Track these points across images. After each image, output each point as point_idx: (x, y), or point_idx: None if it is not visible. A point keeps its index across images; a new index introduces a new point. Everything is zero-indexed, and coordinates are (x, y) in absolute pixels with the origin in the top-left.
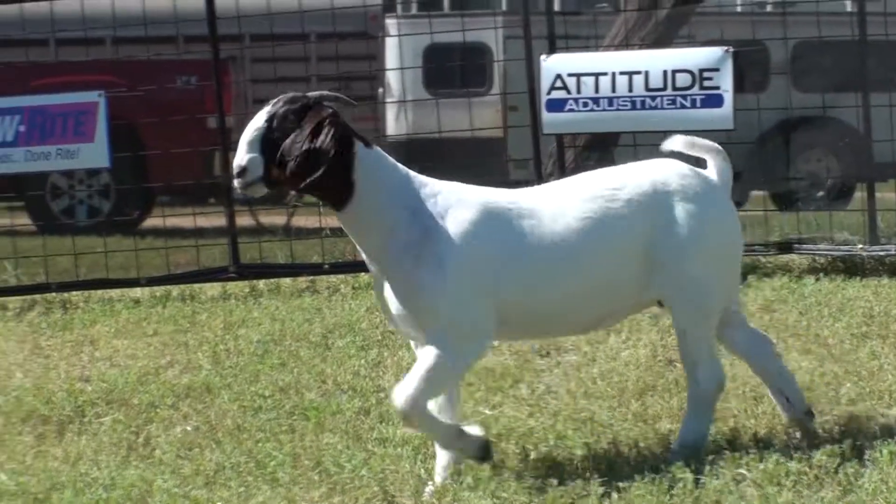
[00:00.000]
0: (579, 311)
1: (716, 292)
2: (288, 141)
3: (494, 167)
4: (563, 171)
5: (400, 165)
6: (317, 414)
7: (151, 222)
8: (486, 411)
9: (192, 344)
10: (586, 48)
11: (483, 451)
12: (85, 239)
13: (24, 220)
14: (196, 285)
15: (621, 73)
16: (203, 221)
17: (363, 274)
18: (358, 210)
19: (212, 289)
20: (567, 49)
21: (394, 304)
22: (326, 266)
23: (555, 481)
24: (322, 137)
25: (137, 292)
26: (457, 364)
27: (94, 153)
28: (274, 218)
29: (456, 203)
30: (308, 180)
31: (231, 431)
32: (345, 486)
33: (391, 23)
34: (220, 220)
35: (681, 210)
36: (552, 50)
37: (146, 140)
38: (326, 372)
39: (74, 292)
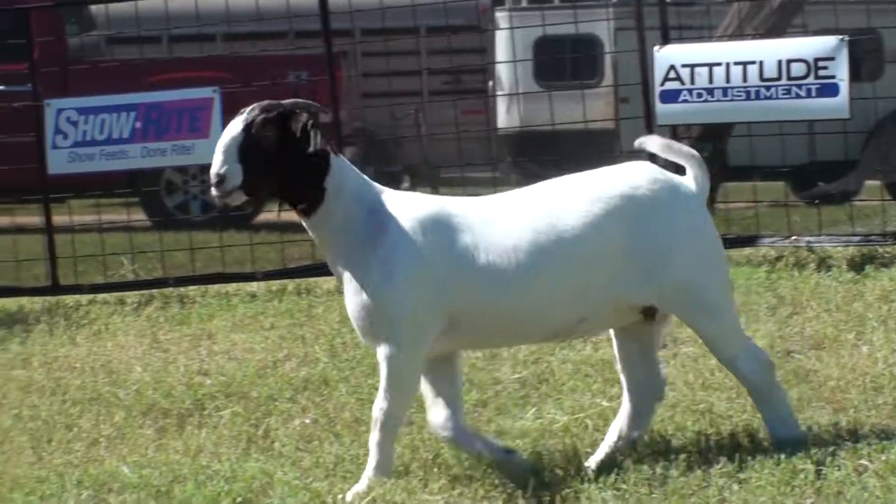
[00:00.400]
0: (543, 318)
1: (712, 291)
2: (271, 149)
3: (605, 159)
4: None
5: (361, 174)
6: None
7: (264, 217)
8: (604, 402)
9: (309, 337)
10: (699, 38)
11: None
12: (199, 234)
13: (139, 216)
14: (311, 279)
15: (735, 64)
16: None
17: None
18: (324, 215)
19: (327, 282)
20: (680, 40)
21: (350, 307)
22: None
23: (675, 472)
24: (314, 141)
25: (253, 286)
26: (414, 364)
27: (209, 149)
28: None
29: (409, 209)
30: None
31: (349, 424)
32: (463, 478)
33: (501, 15)
34: None
35: (653, 217)
36: (665, 41)
37: None
38: None
39: (191, 287)
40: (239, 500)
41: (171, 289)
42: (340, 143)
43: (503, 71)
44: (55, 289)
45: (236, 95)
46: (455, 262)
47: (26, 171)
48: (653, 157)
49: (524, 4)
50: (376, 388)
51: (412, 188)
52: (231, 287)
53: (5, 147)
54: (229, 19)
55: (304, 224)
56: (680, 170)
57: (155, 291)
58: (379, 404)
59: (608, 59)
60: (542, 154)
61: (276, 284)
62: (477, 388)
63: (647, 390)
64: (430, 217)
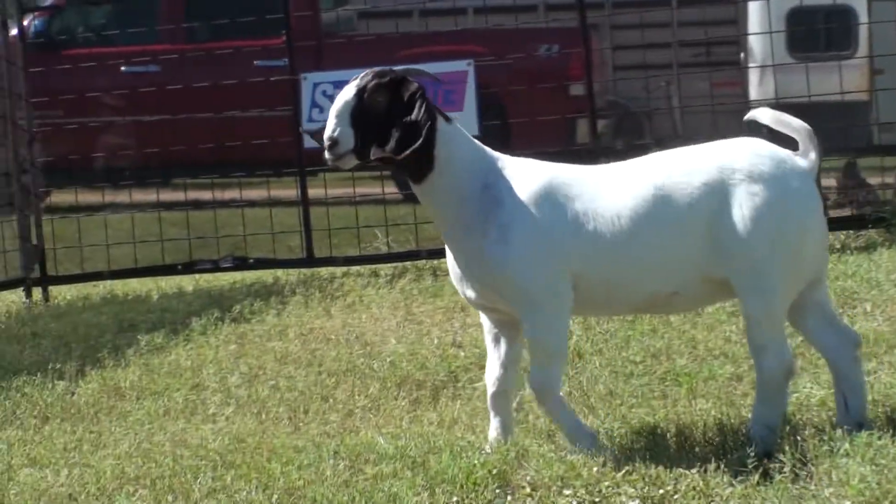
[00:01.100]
0: (637, 285)
1: (782, 279)
2: (382, 115)
3: (860, 131)
4: None
5: (475, 141)
6: (689, 380)
7: None
8: None
9: None
10: None
11: (592, 445)
12: None
13: (392, 190)
14: None
15: None
16: None
17: None
18: (435, 183)
19: None
20: None
21: (466, 275)
22: None
23: None
24: (416, 112)
25: None
26: (555, 327)
27: (464, 121)
28: None
29: (524, 176)
30: (407, 152)
31: (603, 397)
32: (718, 453)
33: None
34: None
35: (746, 192)
36: None
37: (509, 108)
38: (697, 338)
39: (444, 259)
40: (494, 471)
41: (424, 261)
42: (594, 115)
43: (756, 42)
44: (310, 261)
45: (490, 68)
46: (568, 228)
47: (282, 144)
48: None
49: None
50: (630, 361)
51: None
52: None
53: (262, 121)
54: None
55: (414, 191)
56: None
57: (408, 264)
58: (533, 375)
59: (863, 30)
60: None
61: None
62: (732, 362)
63: (842, 347)
64: (547, 184)
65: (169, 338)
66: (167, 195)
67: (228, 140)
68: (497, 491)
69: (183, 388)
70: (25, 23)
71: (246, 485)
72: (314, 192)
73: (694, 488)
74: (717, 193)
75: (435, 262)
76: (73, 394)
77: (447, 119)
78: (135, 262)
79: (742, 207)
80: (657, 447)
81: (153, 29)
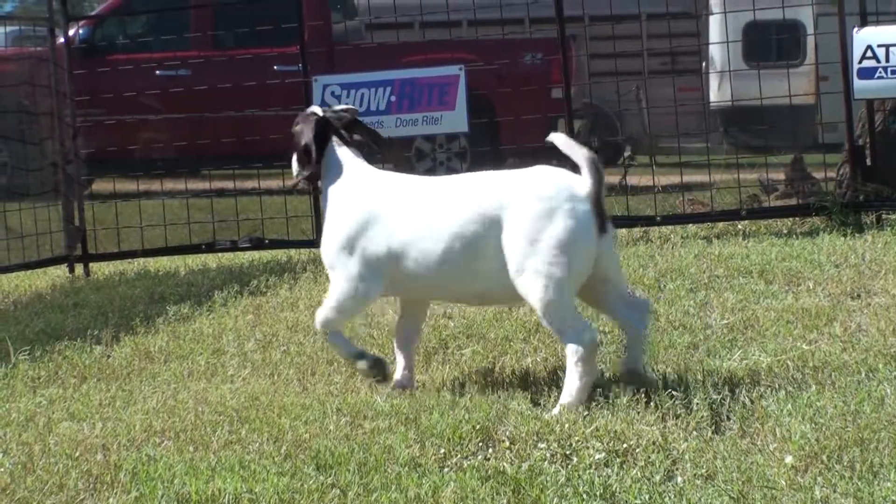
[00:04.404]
0: (447, 287)
1: (557, 281)
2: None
3: (806, 131)
4: (872, 132)
5: (350, 159)
6: (651, 348)
7: None
8: (804, 346)
9: None
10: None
11: (378, 369)
12: None
13: None
14: None
15: None
16: None
17: (691, 225)
18: (322, 186)
19: None
20: (877, 23)
21: None
22: (658, 218)
23: (867, 408)
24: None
25: None
26: (349, 302)
27: (455, 119)
28: (611, 176)
29: (361, 183)
30: (305, 174)
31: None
32: (676, 411)
33: (715, 2)
34: None
35: (529, 212)
36: (864, 24)
37: (498, 108)
38: (659, 311)
39: None
40: (478, 427)
41: None
42: (570, 116)
43: (715, 52)
44: (319, 242)
45: (480, 73)
46: (383, 234)
47: None
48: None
49: None
50: (600, 332)
51: (633, 157)
52: None
53: (279, 118)
54: (475, 7)
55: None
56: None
57: None
58: (317, 315)
59: (810, 41)
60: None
61: None
62: (689, 332)
63: (635, 314)
64: (377, 195)
65: (194, 308)
66: (194, 184)
67: (249, 135)
68: (480, 444)
69: (205, 353)
70: (71, 31)
71: (259, 437)
72: None
73: (653, 443)
74: (507, 212)
75: None
76: (108, 357)
77: (341, 140)
78: (165, 242)
79: (524, 224)
80: (622, 407)
81: (184, 37)
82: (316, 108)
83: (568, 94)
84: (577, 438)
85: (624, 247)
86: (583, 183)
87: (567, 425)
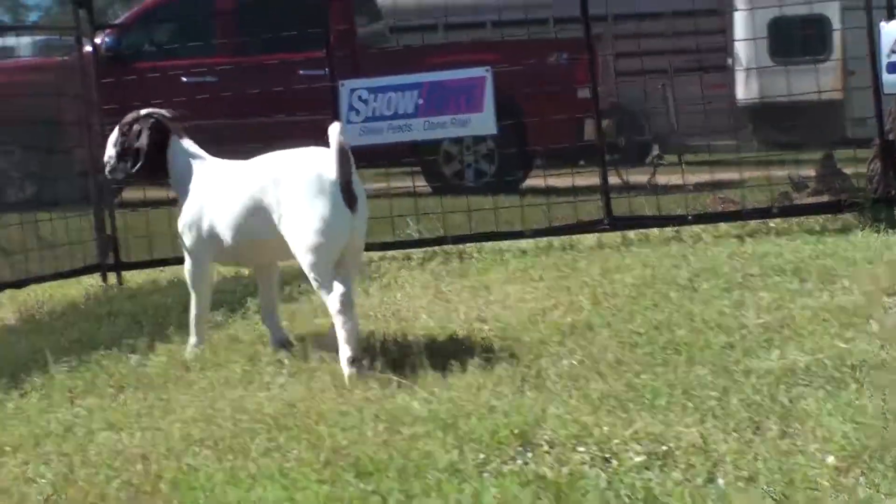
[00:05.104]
0: (244, 252)
1: (315, 246)
2: (125, 142)
3: (834, 126)
4: None
5: (192, 149)
6: (687, 349)
7: (528, 182)
8: (841, 344)
9: (574, 288)
10: None
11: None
12: (474, 198)
13: (421, 183)
14: (574, 236)
15: None
16: (578, 181)
17: (722, 224)
18: (171, 177)
19: (588, 239)
20: None
21: None
22: (690, 217)
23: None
24: (142, 139)
25: (523, 243)
26: (195, 271)
27: (483, 122)
28: (640, 176)
29: (197, 169)
30: (138, 166)
31: (612, 364)
32: (715, 413)
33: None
34: (591, 180)
35: (292, 185)
36: (890, 17)
37: (525, 109)
38: (694, 311)
39: (469, 244)
40: (516, 431)
41: (450, 246)
42: (598, 115)
43: (741, 49)
44: None
45: (507, 74)
46: (205, 207)
47: (326, 144)
48: None
49: None
50: (635, 333)
51: (661, 156)
52: (503, 244)
53: (307, 124)
54: (500, 8)
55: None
56: None
57: (437, 248)
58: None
59: (836, 36)
60: (778, 122)
61: (543, 241)
62: (724, 332)
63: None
64: (205, 180)
65: (228, 315)
66: None
67: (277, 141)
68: (519, 448)
69: (241, 360)
70: (98, 39)
71: (297, 445)
72: None
73: (693, 445)
74: (278, 186)
75: (461, 246)
76: (144, 365)
77: (179, 136)
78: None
79: (289, 197)
80: (660, 409)
81: (210, 44)
82: (150, 110)
83: (595, 94)
84: (616, 441)
85: (656, 246)
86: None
87: (606, 428)
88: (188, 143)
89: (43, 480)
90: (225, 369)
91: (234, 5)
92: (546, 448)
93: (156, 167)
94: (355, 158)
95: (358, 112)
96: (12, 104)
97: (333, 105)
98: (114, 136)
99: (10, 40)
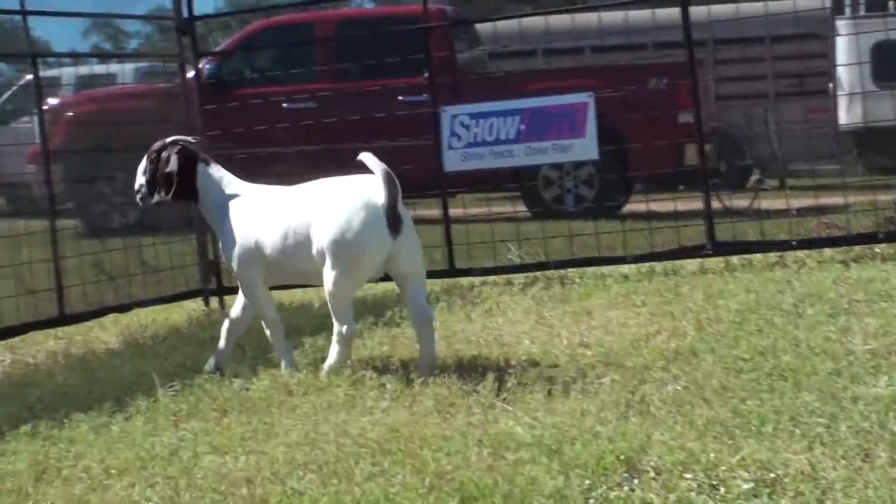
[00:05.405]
0: (290, 273)
1: (343, 274)
2: (154, 170)
3: None
4: None
5: (223, 174)
6: (793, 375)
7: (628, 207)
8: None
9: (677, 313)
10: None
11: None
12: (574, 223)
13: (521, 209)
14: (677, 262)
15: None
16: (679, 205)
17: (827, 249)
18: (202, 203)
19: (690, 264)
20: None
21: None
22: (794, 242)
23: None
24: (172, 165)
25: (625, 269)
26: (255, 299)
27: (585, 147)
28: (741, 201)
29: (235, 197)
30: (172, 191)
31: (717, 390)
32: (823, 440)
33: (842, 24)
34: (691, 205)
35: (331, 213)
36: None
37: (625, 134)
38: (799, 337)
39: (570, 269)
40: (622, 457)
41: (552, 271)
42: (702, 140)
43: (843, 73)
44: (452, 272)
45: (603, 99)
46: (253, 231)
47: (426, 169)
48: None
49: (862, 13)
50: (740, 358)
51: (762, 180)
52: (605, 269)
53: (409, 149)
54: (601, 34)
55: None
56: None
57: (538, 274)
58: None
59: None
60: (883, 147)
61: (645, 266)
62: (831, 358)
63: (418, 318)
64: (244, 203)
65: (329, 340)
66: None
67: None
68: (625, 475)
69: (343, 385)
70: (200, 66)
71: (401, 469)
72: (454, 211)
73: (802, 472)
74: (318, 213)
75: (562, 271)
76: (247, 389)
77: (207, 163)
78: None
79: (326, 223)
80: (767, 436)
81: (310, 70)
82: (177, 138)
83: (698, 119)
84: (723, 468)
85: (759, 272)
86: (380, 192)
87: (713, 455)
88: (215, 169)
89: (149, 503)
90: (327, 393)
91: (334, 32)
92: (652, 475)
93: (185, 192)
94: (457, 183)
95: (459, 138)
96: (116, 131)
97: (435, 131)
98: (142, 164)
99: (112, 67)
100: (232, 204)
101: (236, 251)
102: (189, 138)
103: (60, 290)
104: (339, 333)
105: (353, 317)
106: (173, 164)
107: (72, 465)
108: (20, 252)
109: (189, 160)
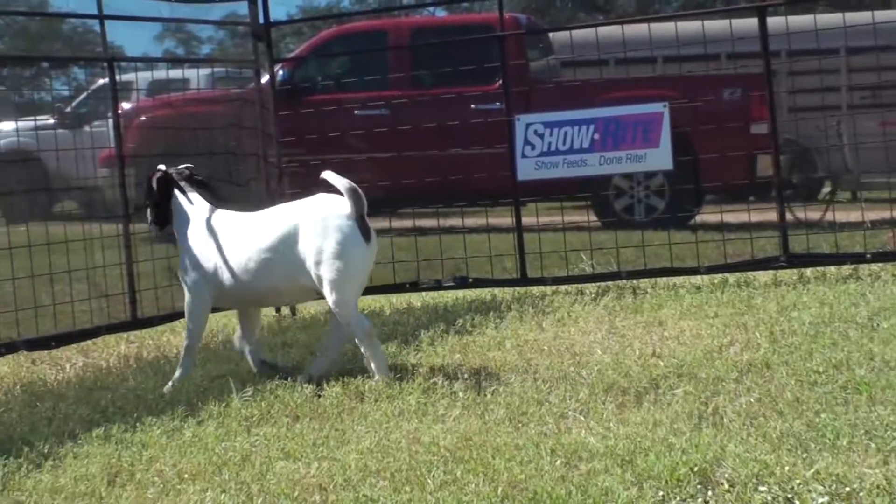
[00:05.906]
0: (251, 291)
1: (339, 283)
2: (146, 197)
3: None
4: None
5: (194, 201)
6: (868, 388)
7: (698, 217)
8: None
9: (750, 325)
10: None
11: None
12: (645, 233)
13: (594, 218)
14: (750, 273)
15: None
16: (753, 216)
17: None
18: (174, 226)
19: (764, 276)
20: None
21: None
22: (869, 255)
23: None
24: (153, 192)
25: (698, 279)
26: (192, 310)
27: (659, 157)
28: (814, 213)
29: (199, 220)
30: (152, 217)
31: (790, 403)
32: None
33: None
34: (763, 216)
35: (312, 229)
36: None
37: (697, 144)
38: (874, 350)
39: (642, 279)
40: (695, 469)
41: (624, 281)
42: (777, 152)
43: None
44: (524, 280)
45: (678, 109)
46: (214, 254)
47: (499, 177)
48: None
49: None
50: (814, 371)
51: (835, 192)
52: (678, 280)
53: (482, 157)
54: (678, 43)
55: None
56: None
57: (610, 283)
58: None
59: None
60: None
61: (717, 277)
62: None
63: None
64: (206, 227)
65: (401, 347)
66: (397, 222)
67: (451, 174)
68: (699, 487)
69: (415, 392)
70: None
71: (474, 478)
72: (527, 219)
73: (877, 486)
74: (299, 230)
75: (634, 281)
76: (319, 396)
77: (182, 191)
78: (370, 280)
79: (309, 238)
80: (842, 449)
81: (384, 77)
82: (161, 166)
83: (774, 130)
84: (798, 481)
85: (833, 284)
86: (347, 205)
87: (787, 468)
88: (193, 196)
89: None
90: (399, 401)
91: (408, 39)
92: (726, 487)
93: (167, 218)
94: (529, 192)
95: (533, 146)
96: (191, 136)
97: (509, 139)
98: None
99: (186, 72)
100: (191, 225)
101: (193, 273)
102: (177, 167)
103: (133, 294)
104: (360, 336)
105: (362, 315)
106: (154, 194)
107: (144, 468)
108: (93, 256)
109: (166, 187)
